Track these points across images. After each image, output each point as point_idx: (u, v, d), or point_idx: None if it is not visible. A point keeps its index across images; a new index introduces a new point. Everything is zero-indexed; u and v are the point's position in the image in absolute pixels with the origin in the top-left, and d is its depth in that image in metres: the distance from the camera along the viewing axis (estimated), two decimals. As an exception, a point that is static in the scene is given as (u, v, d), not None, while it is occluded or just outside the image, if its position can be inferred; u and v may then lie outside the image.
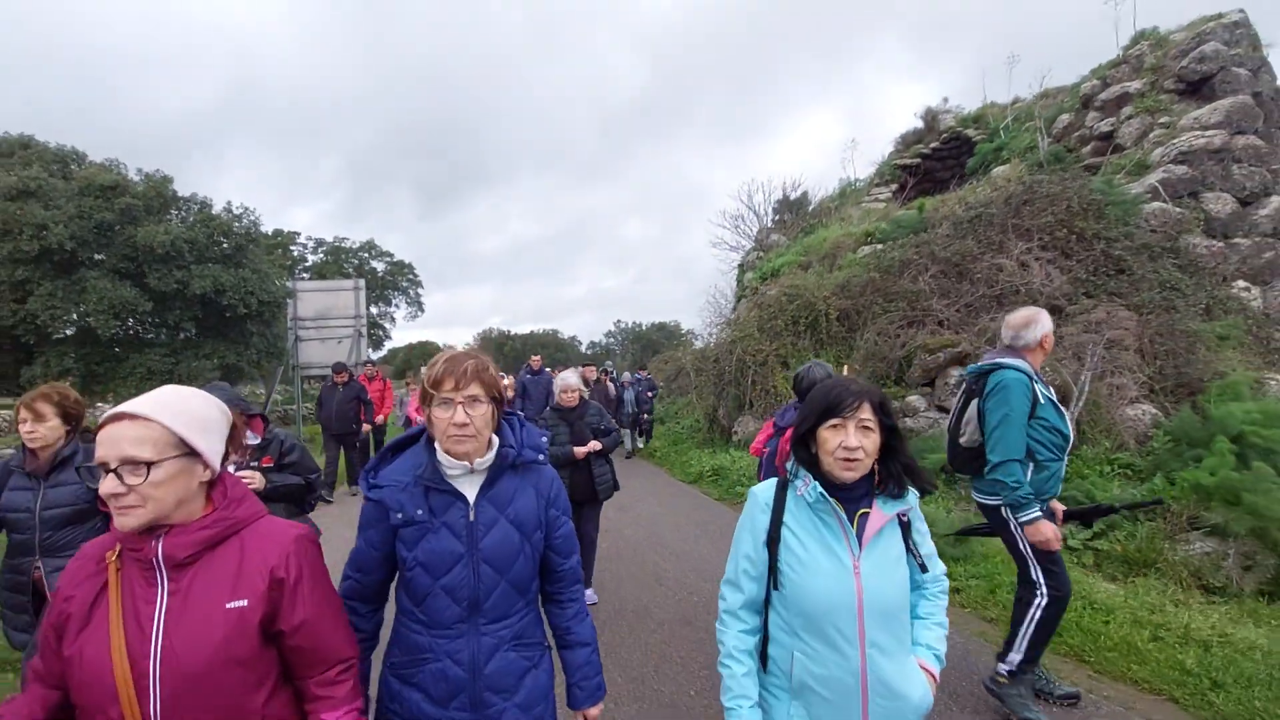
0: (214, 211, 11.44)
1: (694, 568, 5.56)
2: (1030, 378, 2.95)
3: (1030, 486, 2.89)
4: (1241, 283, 9.58)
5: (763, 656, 1.65)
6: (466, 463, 1.53)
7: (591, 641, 1.75)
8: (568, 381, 4.63)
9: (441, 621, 1.53)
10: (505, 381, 12.44)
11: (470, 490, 1.57)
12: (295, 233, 32.14)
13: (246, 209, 11.59)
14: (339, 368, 8.85)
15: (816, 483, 1.57)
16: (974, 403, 3.12)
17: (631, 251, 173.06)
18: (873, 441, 1.54)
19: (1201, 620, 3.94)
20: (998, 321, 7.88)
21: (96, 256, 10.18)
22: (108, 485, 1.17)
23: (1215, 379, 6.92)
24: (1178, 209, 9.79)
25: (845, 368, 8.33)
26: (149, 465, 1.18)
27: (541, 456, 1.67)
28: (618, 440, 4.84)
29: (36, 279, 9.19)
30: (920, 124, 17.82)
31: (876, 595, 1.52)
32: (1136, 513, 5.65)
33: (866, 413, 1.54)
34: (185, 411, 1.25)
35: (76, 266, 9.77)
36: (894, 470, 1.60)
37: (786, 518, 1.63)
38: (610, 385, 11.40)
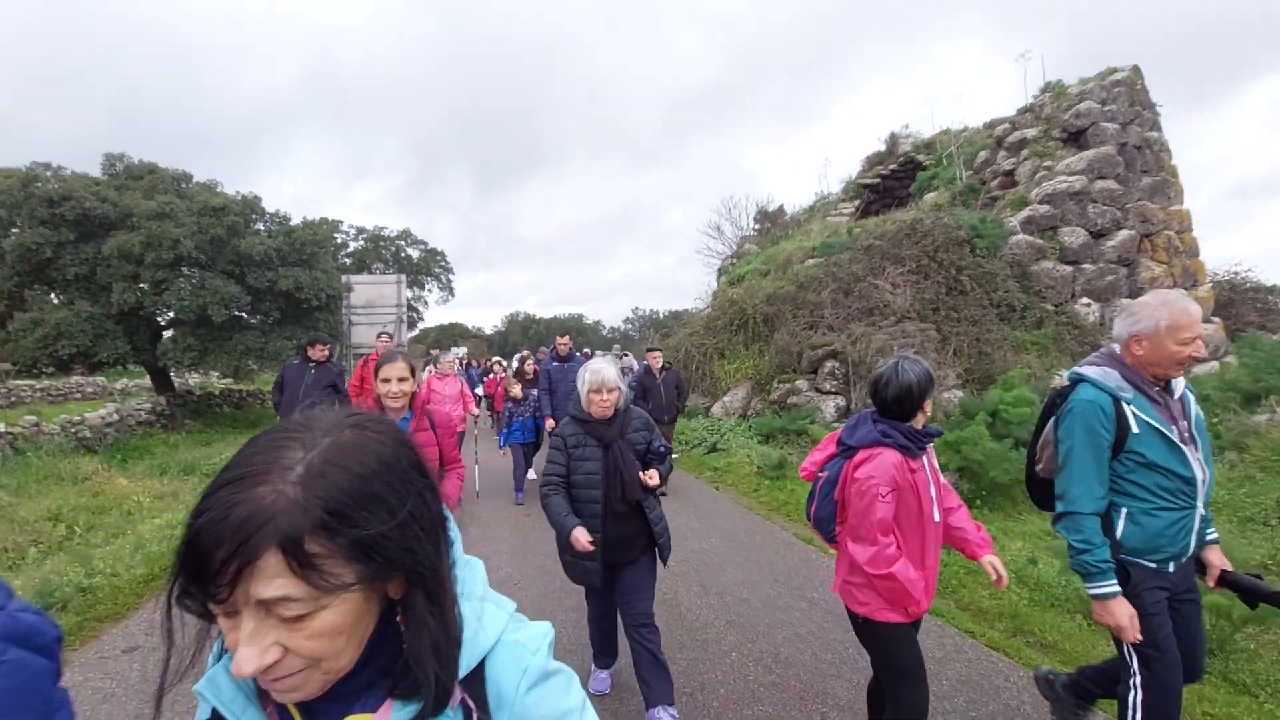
0: (292, 224, 14.75)
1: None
2: (1115, 397, 2.17)
3: (1103, 542, 2.15)
4: (1085, 300, 12.24)
5: None
6: None
7: None
8: (603, 377, 2.83)
9: None
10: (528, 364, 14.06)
11: None
12: (339, 221, 35.49)
13: (324, 219, 14.84)
14: (316, 339, 6.66)
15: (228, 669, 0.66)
16: (1053, 420, 2.36)
17: (674, 237, 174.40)
18: (318, 632, 0.59)
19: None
20: (861, 326, 10.72)
21: (205, 260, 13.54)
22: None
23: (1002, 373, 9.69)
24: (1038, 240, 12.43)
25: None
26: None
27: None
28: (670, 466, 3.17)
29: (171, 279, 12.57)
30: (883, 147, 20.32)
31: None
32: None
33: (272, 585, 0.56)
34: None
35: (197, 268, 13.17)
36: (412, 651, 0.64)
37: None
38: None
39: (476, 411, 6.99)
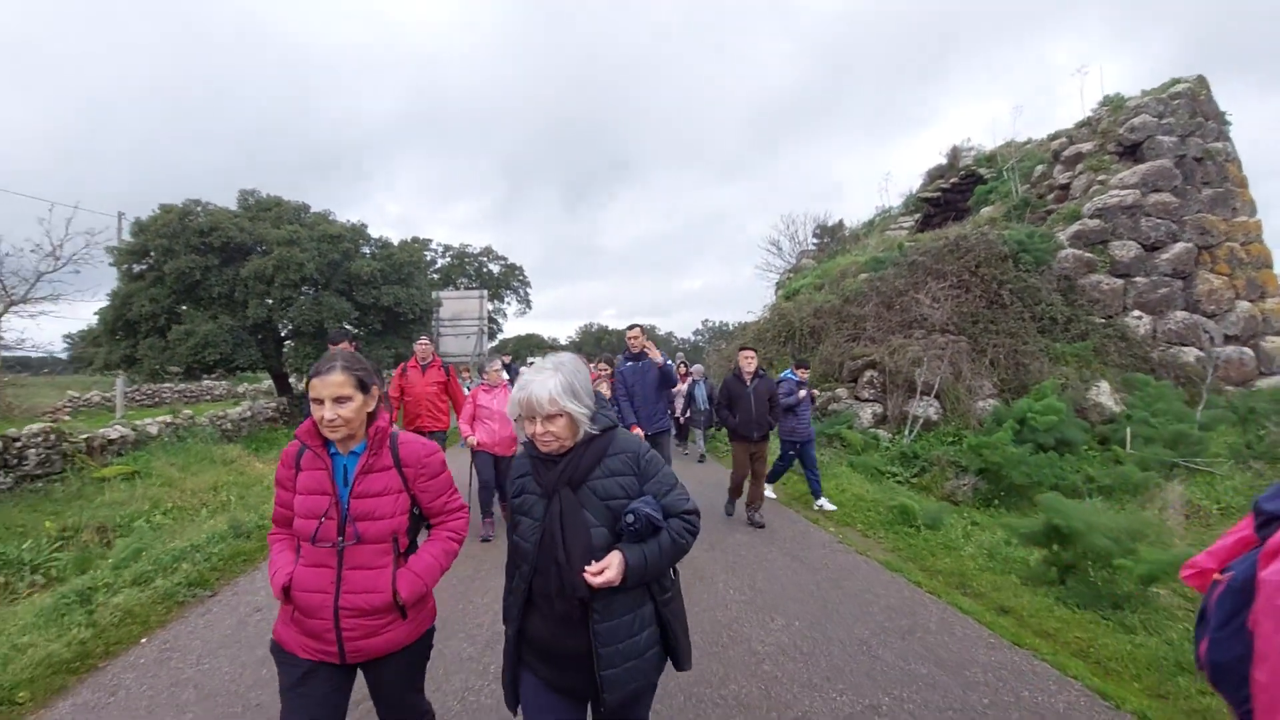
0: (393, 247, 16.81)
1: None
2: None
3: None
4: (1136, 312, 12.36)
5: None
6: None
7: None
8: (530, 396, 1.72)
9: None
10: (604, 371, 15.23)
11: None
12: (428, 240, 38.59)
13: (415, 238, 16.89)
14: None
15: None
16: None
17: (752, 249, 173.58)
18: None
19: (910, 502, 7.63)
20: (899, 338, 11.36)
21: (323, 280, 15.66)
22: None
23: (1037, 383, 10.14)
24: (1086, 254, 12.65)
25: None
26: None
27: None
28: (682, 544, 1.79)
29: (294, 297, 14.71)
30: (944, 160, 20.55)
31: None
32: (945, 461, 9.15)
33: None
34: None
35: (315, 287, 15.29)
36: None
37: None
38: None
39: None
